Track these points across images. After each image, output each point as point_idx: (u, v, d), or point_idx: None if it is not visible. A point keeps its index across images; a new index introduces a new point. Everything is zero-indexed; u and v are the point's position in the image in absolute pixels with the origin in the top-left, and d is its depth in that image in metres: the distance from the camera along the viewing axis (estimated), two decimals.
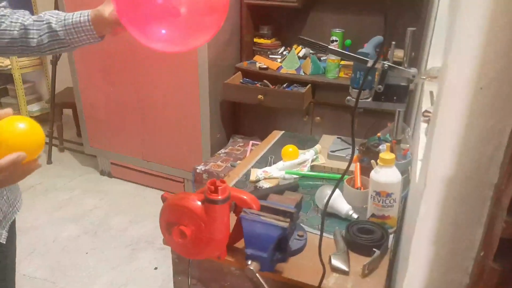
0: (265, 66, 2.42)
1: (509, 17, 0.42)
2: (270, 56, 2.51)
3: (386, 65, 1.25)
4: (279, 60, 2.47)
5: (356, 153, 1.27)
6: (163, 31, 0.76)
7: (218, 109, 2.46)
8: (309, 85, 2.27)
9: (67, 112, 3.33)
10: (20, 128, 0.65)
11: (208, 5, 0.76)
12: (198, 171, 2.23)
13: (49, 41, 0.89)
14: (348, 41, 2.36)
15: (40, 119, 3.60)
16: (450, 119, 0.46)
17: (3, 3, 0.90)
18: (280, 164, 1.35)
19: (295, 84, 2.35)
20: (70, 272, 2.03)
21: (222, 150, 2.44)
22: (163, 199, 0.88)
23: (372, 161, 1.11)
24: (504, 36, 0.42)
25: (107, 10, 0.85)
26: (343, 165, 1.34)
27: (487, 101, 0.43)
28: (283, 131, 1.71)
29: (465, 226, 0.50)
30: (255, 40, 2.54)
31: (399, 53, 2.01)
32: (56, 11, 0.91)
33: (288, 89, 2.32)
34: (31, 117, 3.33)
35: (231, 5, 2.33)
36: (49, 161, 3.03)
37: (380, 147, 1.16)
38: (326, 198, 1.09)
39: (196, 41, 0.81)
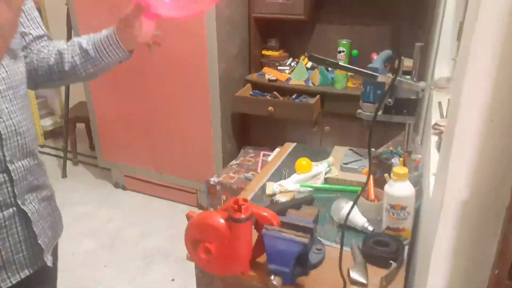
0: (274, 78, 2.47)
1: None
2: (278, 67, 2.56)
3: (395, 79, 1.29)
4: (287, 71, 2.52)
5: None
6: None
7: (229, 120, 2.51)
8: (318, 95, 2.32)
9: (80, 126, 3.40)
10: None
11: None
12: (211, 183, 2.28)
13: (81, 62, 0.93)
14: (355, 51, 2.40)
15: (54, 133, 3.69)
16: (463, 148, 0.50)
17: (45, 37, 0.96)
18: (294, 177, 1.39)
19: (304, 95, 2.39)
20: (91, 286, 2.08)
21: (234, 161, 2.49)
22: (188, 217, 0.92)
23: (386, 174, 1.15)
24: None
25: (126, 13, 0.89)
26: (356, 177, 1.39)
27: (498, 132, 0.47)
28: (295, 143, 1.74)
29: (481, 244, 0.53)
30: (263, 52, 2.59)
31: (407, 62, 2.06)
32: (88, 34, 0.95)
33: (298, 100, 2.37)
34: (44, 132, 3.39)
35: (240, 19, 2.39)
36: (64, 175, 3.09)
37: (393, 160, 1.20)
38: (342, 210, 1.14)
39: (201, 4, 0.85)
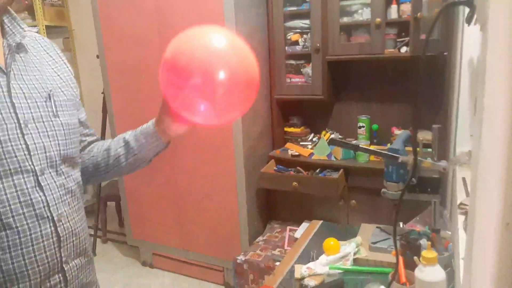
0: (297, 153, 2.54)
1: None
2: (300, 143, 2.65)
3: (418, 161, 1.32)
4: (309, 146, 2.59)
5: (398, 245, 1.30)
6: (202, 108, 0.79)
7: (254, 196, 2.55)
8: (342, 170, 2.35)
9: (111, 204, 3.51)
10: None
11: (244, 82, 0.79)
12: (238, 261, 2.26)
13: (123, 153, 1.00)
14: (375, 126, 2.47)
15: (86, 211, 3.78)
16: (483, 249, 0.52)
17: (92, 131, 1.07)
18: (323, 258, 1.38)
19: (327, 170, 2.44)
20: None
21: (260, 238, 2.49)
22: None
23: (415, 257, 1.14)
24: None
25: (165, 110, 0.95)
26: (386, 257, 1.38)
27: None
28: (321, 221, 1.75)
29: None
30: (286, 129, 2.70)
31: (427, 136, 2.10)
32: (131, 130, 1.04)
33: (321, 175, 2.41)
34: None
35: (262, 101, 2.53)
36: (94, 254, 3.14)
37: (421, 242, 1.19)
38: None
39: (233, 115, 0.85)
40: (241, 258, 2.27)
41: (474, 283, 0.56)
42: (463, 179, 1.36)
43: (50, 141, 0.83)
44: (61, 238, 0.83)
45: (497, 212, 0.51)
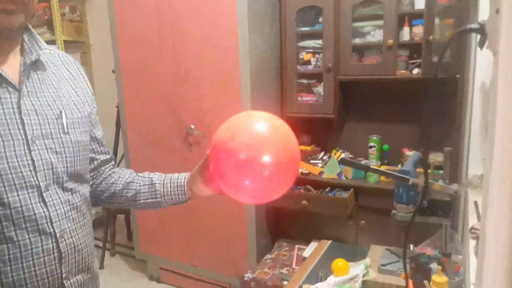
0: (306, 172, 2.54)
1: None
2: (310, 161, 2.65)
3: (428, 183, 1.32)
4: (319, 165, 2.59)
5: (407, 268, 1.29)
6: (250, 190, 0.86)
7: (263, 214, 2.54)
8: (352, 189, 2.34)
9: (120, 216, 3.52)
10: None
11: (289, 163, 0.86)
12: (245, 279, 2.25)
13: (144, 191, 1.02)
14: (386, 146, 2.47)
15: (95, 223, 3.80)
16: (494, 278, 0.52)
17: (112, 162, 1.09)
18: (331, 279, 1.37)
19: (337, 189, 2.43)
20: None
21: (268, 256, 2.47)
22: None
23: (425, 281, 1.13)
24: None
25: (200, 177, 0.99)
26: (395, 280, 1.36)
27: None
28: (331, 241, 1.74)
29: None
30: None
31: (438, 158, 2.09)
32: (159, 173, 1.06)
33: (331, 194, 2.40)
34: None
35: None
36: (101, 266, 3.15)
37: (431, 266, 1.18)
38: None
39: (276, 194, 0.90)
40: (248, 275, 2.25)
41: None
42: (475, 202, 1.35)
43: (57, 158, 0.84)
44: (63, 254, 0.83)
45: (508, 237, 0.51)
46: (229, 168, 0.85)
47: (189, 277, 2.76)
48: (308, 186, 2.51)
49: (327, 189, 2.46)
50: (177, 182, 1.02)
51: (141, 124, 2.71)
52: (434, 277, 1.02)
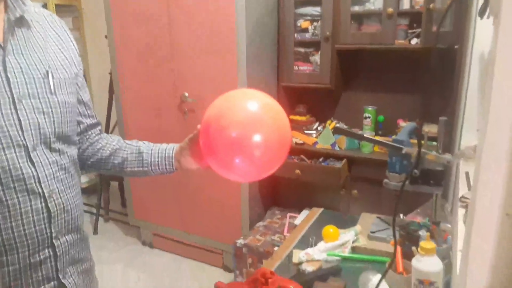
0: (301, 142, 2.54)
1: None
2: (305, 131, 2.64)
3: (421, 152, 1.32)
4: (314, 135, 2.59)
5: (397, 235, 1.31)
6: (240, 169, 0.87)
7: (257, 182, 2.56)
8: (345, 159, 2.35)
9: (114, 183, 3.54)
10: None
11: (280, 143, 0.87)
12: (238, 245, 2.29)
13: (133, 160, 1.02)
14: (381, 117, 2.46)
15: (88, 190, 3.84)
16: (482, 239, 0.53)
17: (99, 127, 1.07)
18: (321, 245, 1.39)
19: (331, 159, 2.44)
20: None
21: (261, 223, 2.50)
22: None
23: (413, 248, 1.14)
24: None
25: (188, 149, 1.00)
26: (384, 247, 1.38)
27: None
28: (322, 209, 1.76)
29: None
30: (291, 117, 2.69)
31: (432, 129, 2.09)
32: (147, 142, 1.06)
33: (325, 164, 2.41)
34: None
35: (269, 88, 2.53)
36: (95, 232, 3.18)
37: (420, 233, 1.20)
38: (369, 283, 1.13)
39: (266, 173, 0.92)
40: (240, 242, 2.29)
41: (470, 273, 0.56)
42: (466, 173, 1.36)
43: (44, 119, 0.83)
44: (52, 214, 0.84)
45: (498, 202, 0.51)
46: (219, 146, 0.85)
47: (182, 243, 2.81)
48: (302, 156, 2.51)
49: (321, 159, 2.47)
50: (165, 153, 1.02)
51: (134, 91, 2.67)
52: (422, 244, 1.04)
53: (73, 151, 0.93)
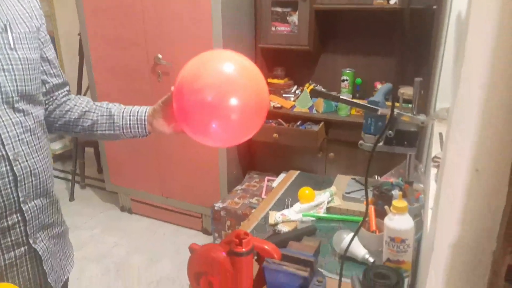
0: (279, 105, 2.52)
1: (502, 110, 0.49)
2: (283, 95, 2.61)
3: (396, 113, 1.32)
4: (292, 98, 2.57)
5: (370, 195, 1.33)
6: (214, 132, 0.82)
7: (235, 146, 2.55)
8: (322, 123, 2.36)
9: (89, 149, 3.46)
10: None
11: (257, 107, 0.83)
12: (216, 208, 2.30)
13: (104, 123, 0.98)
14: (358, 80, 2.45)
15: (63, 156, 3.76)
16: (451, 194, 0.53)
17: (67, 87, 1.01)
18: (297, 206, 1.41)
19: (308, 122, 2.43)
20: None
21: (239, 187, 2.52)
22: (191, 250, 0.95)
23: (386, 206, 1.17)
24: (497, 125, 0.49)
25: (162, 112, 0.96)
26: (358, 207, 1.41)
27: (482, 181, 0.50)
28: (299, 171, 1.77)
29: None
30: (269, 80, 2.65)
31: (408, 91, 2.10)
32: (118, 104, 1.02)
33: (302, 127, 2.41)
34: (54, 155, 3.46)
35: (246, 50, 2.46)
36: (72, 199, 3.14)
37: (393, 192, 1.22)
38: (343, 242, 1.16)
39: (243, 138, 0.88)
40: (219, 205, 2.30)
41: (439, 228, 0.56)
42: (440, 134, 1.38)
43: (5, 76, 0.78)
44: (18, 178, 0.81)
45: (467, 158, 0.51)
46: (194, 110, 0.80)
47: (161, 207, 2.81)
48: (280, 119, 2.50)
49: (298, 123, 2.46)
50: (137, 116, 0.98)
51: (106, 53, 2.56)
52: (394, 202, 1.06)
53: (39, 111, 0.88)
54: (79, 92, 3.10)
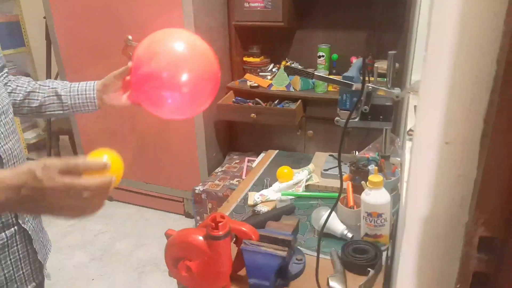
0: (256, 84, 2.49)
1: (470, 81, 0.48)
2: (260, 73, 2.58)
3: (370, 87, 1.31)
4: (269, 77, 2.54)
5: (348, 171, 1.34)
6: (169, 104, 0.90)
7: (213, 128, 2.51)
8: (300, 100, 2.34)
9: (64, 138, 3.37)
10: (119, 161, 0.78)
11: (204, 77, 0.91)
12: (196, 191, 2.28)
13: (51, 103, 0.97)
14: (334, 55, 2.43)
15: (37, 146, 3.65)
16: (422, 167, 0.52)
17: (6, 70, 0.96)
18: (276, 185, 1.40)
19: (286, 101, 2.41)
20: None
21: (219, 169, 2.50)
22: (167, 236, 0.93)
23: (362, 182, 1.17)
24: (465, 97, 0.48)
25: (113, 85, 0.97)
26: (336, 183, 1.41)
27: (453, 153, 0.49)
28: (278, 150, 1.76)
29: (443, 261, 0.55)
30: (245, 59, 2.60)
31: (383, 65, 2.09)
32: (62, 81, 1.00)
33: (280, 106, 2.39)
34: (28, 144, 3.35)
35: (220, 27, 2.40)
36: None
37: (369, 167, 1.22)
38: (322, 219, 1.16)
39: (198, 109, 0.96)
40: (199, 188, 2.29)
41: (410, 201, 0.56)
42: (415, 107, 1.38)
43: None
44: (3, 160, 0.80)
45: (437, 131, 0.50)
46: (150, 86, 0.88)
47: (141, 193, 2.77)
48: (257, 99, 2.47)
49: (276, 102, 2.44)
50: (85, 94, 0.98)
51: (74, 36, 2.46)
52: (371, 177, 1.06)
53: (5, 93, 0.86)
54: (48, 77, 2.98)
